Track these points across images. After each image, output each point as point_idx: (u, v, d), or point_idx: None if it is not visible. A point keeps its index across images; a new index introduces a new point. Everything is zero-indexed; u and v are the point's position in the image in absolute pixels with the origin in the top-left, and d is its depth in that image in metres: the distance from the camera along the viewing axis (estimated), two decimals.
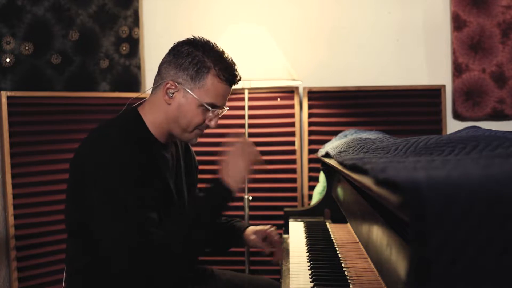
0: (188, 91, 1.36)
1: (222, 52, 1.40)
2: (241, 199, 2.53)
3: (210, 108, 1.37)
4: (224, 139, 2.74)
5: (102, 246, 1.28)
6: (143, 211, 1.26)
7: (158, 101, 1.40)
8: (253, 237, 1.61)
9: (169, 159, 1.45)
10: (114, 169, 1.26)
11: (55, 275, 2.33)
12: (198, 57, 1.36)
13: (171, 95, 1.37)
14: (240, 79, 1.43)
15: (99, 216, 1.27)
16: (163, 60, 1.42)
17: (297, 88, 2.72)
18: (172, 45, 1.44)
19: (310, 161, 2.70)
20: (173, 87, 1.36)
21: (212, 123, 1.41)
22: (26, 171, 2.29)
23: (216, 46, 1.41)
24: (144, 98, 1.50)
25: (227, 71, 1.38)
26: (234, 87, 1.45)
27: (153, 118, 1.40)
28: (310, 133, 2.71)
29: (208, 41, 1.41)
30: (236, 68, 1.41)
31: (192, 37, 1.40)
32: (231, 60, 1.41)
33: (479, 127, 1.39)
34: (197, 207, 1.35)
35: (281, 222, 2.09)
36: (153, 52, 2.85)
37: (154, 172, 1.36)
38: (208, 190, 1.36)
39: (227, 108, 1.45)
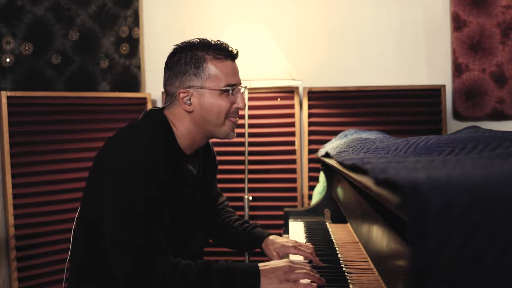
0: (200, 88, 1.37)
1: (206, 39, 1.42)
2: (241, 199, 2.53)
3: (229, 89, 1.39)
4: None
5: (109, 246, 1.27)
6: (154, 226, 1.24)
7: (180, 113, 1.40)
8: (274, 253, 1.50)
9: (192, 171, 1.45)
10: (135, 177, 1.25)
11: (55, 275, 2.33)
12: (189, 56, 1.39)
13: (188, 102, 1.38)
14: (237, 52, 1.45)
15: (110, 218, 1.26)
16: (164, 81, 1.44)
17: (297, 88, 2.72)
18: (172, 46, 1.45)
19: (310, 161, 2.70)
20: (186, 94, 1.38)
21: (240, 103, 1.41)
22: (26, 171, 2.29)
23: (198, 39, 1.43)
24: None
25: (220, 49, 1.40)
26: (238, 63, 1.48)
27: (182, 128, 1.40)
28: (310, 133, 2.71)
29: (189, 40, 1.43)
30: (226, 44, 1.43)
31: (174, 46, 1.43)
32: (218, 40, 1.44)
33: (479, 127, 1.39)
34: (215, 273, 1.21)
35: (281, 222, 2.09)
36: (153, 52, 2.85)
37: (173, 188, 1.35)
38: (240, 269, 1.23)
39: (246, 86, 1.46)
